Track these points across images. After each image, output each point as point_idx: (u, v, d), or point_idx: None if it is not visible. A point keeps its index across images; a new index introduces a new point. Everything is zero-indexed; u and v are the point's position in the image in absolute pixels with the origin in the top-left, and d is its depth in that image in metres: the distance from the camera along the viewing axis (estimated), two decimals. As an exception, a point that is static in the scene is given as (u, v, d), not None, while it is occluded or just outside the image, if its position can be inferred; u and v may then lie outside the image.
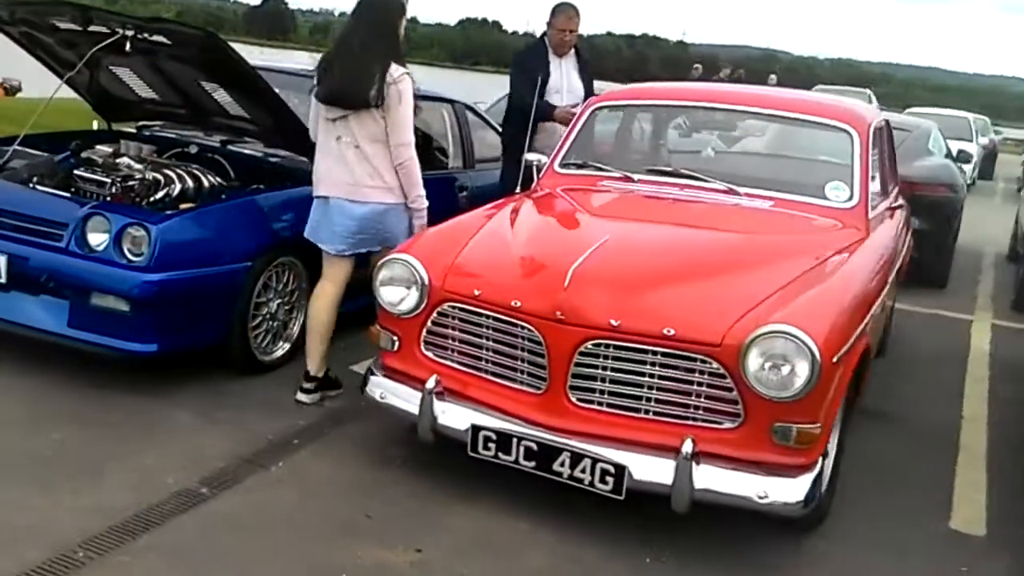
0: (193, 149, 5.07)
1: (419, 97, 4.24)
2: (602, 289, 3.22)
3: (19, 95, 12.40)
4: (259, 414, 4.11)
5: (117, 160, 4.80)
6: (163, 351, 4.08)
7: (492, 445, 3.32)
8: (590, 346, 3.17)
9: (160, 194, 4.55)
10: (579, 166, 4.71)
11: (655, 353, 3.12)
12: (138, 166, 4.70)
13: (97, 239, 4.00)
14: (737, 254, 3.63)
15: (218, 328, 4.27)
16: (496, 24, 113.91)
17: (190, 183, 4.69)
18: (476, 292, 3.42)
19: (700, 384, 3.11)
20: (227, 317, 4.27)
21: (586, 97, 5.77)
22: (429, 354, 3.58)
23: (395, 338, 3.65)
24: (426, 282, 3.51)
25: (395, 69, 3.99)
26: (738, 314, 3.13)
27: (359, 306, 4.62)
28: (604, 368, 3.19)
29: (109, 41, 4.37)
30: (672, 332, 3.09)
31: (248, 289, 4.32)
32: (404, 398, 3.56)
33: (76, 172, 4.60)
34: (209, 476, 3.51)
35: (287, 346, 4.68)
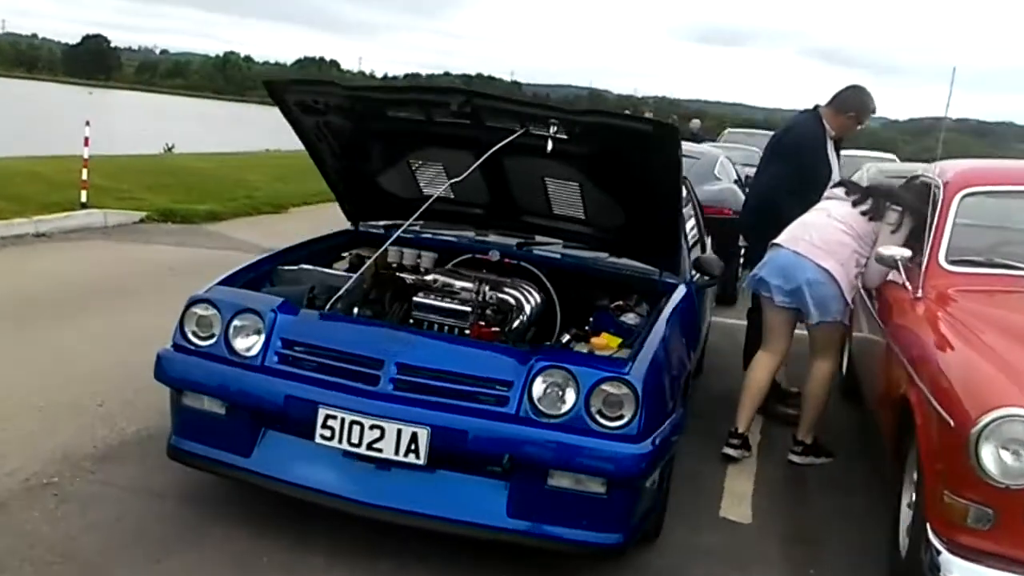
0: (495, 255, 4.07)
1: None
2: None
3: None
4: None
5: (426, 278, 3.79)
6: (627, 543, 3.05)
7: None
8: None
9: (516, 322, 3.60)
10: (979, 263, 4.05)
11: None
12: (466, 285, 3.70)
13: (553, 400, 2.97)
14: None
15: (659, 497, 3.34)
16: (334, 63, 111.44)
17: (528, 303, 3.75)
18: None
19: None
20: (666, 478, 3.36)
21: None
22: (1043, 532, 2.81)
23: (990, 512, 2.86)
24: (1058, 446, 2.74)
25: None
26: None
27: None
28: None
29: (510, 139, 3.34)
30: None
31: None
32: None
33: (416, 299, 3.55)
34: None
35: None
